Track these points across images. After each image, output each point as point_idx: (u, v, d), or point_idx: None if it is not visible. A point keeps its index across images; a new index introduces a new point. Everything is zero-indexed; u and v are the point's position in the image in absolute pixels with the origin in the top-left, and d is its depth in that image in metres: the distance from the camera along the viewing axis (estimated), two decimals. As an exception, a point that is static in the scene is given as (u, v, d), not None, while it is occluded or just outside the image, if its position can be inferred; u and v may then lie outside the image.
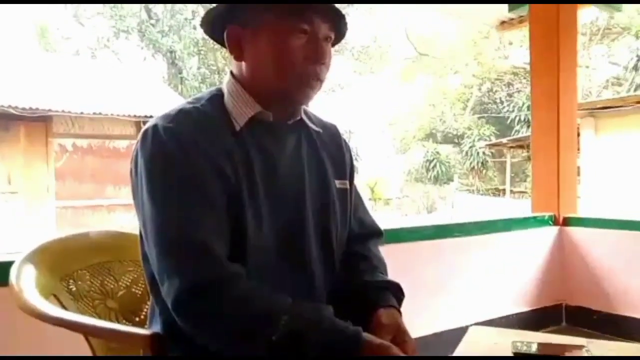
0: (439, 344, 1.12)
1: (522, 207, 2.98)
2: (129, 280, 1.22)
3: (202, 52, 18.10)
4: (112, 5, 17.22)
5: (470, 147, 19.45)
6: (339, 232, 1.05)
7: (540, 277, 3.09)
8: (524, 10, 3.50)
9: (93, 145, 10.20)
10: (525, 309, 2.99)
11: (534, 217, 3.14)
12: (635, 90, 13.64)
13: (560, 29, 3.15)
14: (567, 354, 1.06)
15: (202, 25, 1.01)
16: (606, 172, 8.62)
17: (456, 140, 21.15)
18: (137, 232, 0.97)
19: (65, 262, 1.14)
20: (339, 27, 0.98)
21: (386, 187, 18.76)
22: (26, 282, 1.01)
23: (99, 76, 11.54)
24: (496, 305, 2.86)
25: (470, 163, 19.44)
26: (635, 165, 8.12)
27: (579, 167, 8.60)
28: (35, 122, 9.37)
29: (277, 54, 0.92)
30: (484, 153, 18.93)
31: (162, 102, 10.08)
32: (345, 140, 1.15)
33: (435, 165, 20.01)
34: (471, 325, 1.29)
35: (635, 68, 14.31)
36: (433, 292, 2.59)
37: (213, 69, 18.32)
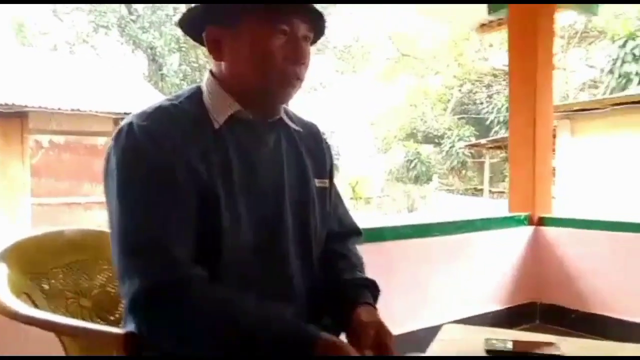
0: (413, 343, 1.14)
1: (499, 207, 3.04)
2: (104, 279, 1.21)
3: (183, 49, 17.93)
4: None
5: (450, 147, 19.68)
6: (318, 230, 1.06)
7: (516, 275, 3.14)
8: (503, 13, 3.55)
9: (70, 141, 10.02)
10: (500, 307, 3.04)
11: (511, 217, 3.19)
12: (610, 93, 13.95)
13: (538, 32, 3.21)
14: (538, 352, 1.09)
15: (180, 25, 1.01)
16: (582, 174, 8.80)
17: (437, 141, 21.37)
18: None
19: (39, 260, 1.12)
20: (317, 27, 0.99)
21: (367, 186, 18.86)
22: (-3, 280, 0.99)
23: (78, 72, 11.34)
24: (472, 304, 2.90)
25: (450, 163, 19.69)
26: (610, 167, 8.31)
27: (554, 168, 8.80)
28: (10, 117, 9.17)
29: (257, 55, 0.92)
30: (463, 153, 19.17)
31: (142, 98, 9.96)
32: (325, 139, 1.16)
33: (415, 165, 20.19)
34: (446, 323, 1.30)
35: (611, 71, 14.63)
36: (410, 290, 2.61)
37: (194, 66, 18.17)
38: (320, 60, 18.71)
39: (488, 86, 20.00)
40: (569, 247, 3.11)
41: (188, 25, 1.00)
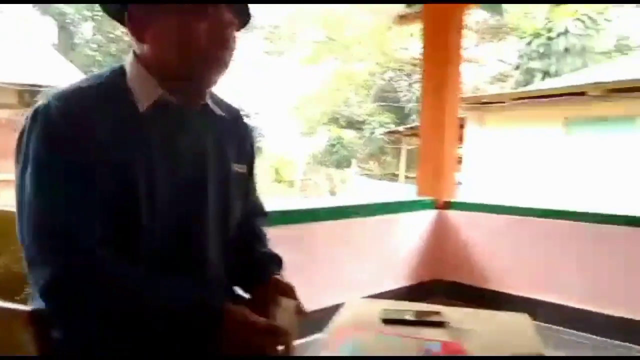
0: (323, 318, 1.25)
1: (413, 192, 3.27)
2: (8, 259, 1.18)
3: (97, 17, 16.79)
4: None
5: (371, 133, 20.26)
6: (235, 213, 1.11)
7: (422, 255, 3.39)
8: (420, 6, 3.74)
9: (-34, 113, 9.12)
10: (407, 284, 3.28)
11: (418, 201, 3.43)
12: (517, 87, 15.05)
13: (449, 28, 3.43)
14: (426, 319, 1.23)
15: (104, 10, 1.00)
16: (489, 162, 9.49)
17: (358, 126, 21.86)
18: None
19: None
20: (242, 13, 1.00)
21: (290, 169, 18.97)
22: None
23: (-25, 36, 10.30)
24: (382, 282, 3.09)
25: (370, 149, 20.29)
26: (514, 156, 9.03)
27: (462, 157, 9.41)
28: None
29: (182, 39, 0.93)
30: (383, 140, 19.82)
31: (51, 70, 9.26)
32: (247, 125, 1.19)
33: (338, 150, 20.58)
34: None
35: (518, 67, 15.76)
36: (327, 269, 2.74)
37: (110, 37, 17.10)
38: (248, 40, 18.38)
39: (409, 75, 20.69)
40: (470, 229, 3.39)
41: (109, 4, 0.99)
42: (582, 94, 7.60)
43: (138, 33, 0.95)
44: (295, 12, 20.99)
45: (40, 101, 0.90)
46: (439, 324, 1.20)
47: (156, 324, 0.86)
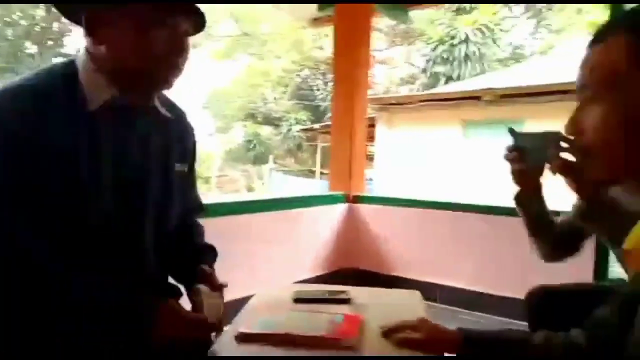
0: (238, 308, 1.35)
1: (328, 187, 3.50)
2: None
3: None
4: None
5: (288, 130, 20.46)
6: (175, 211, 1.17)
7: (335, 245, 3.58)
8: (331, 10, 3.93)
9: None
10: (322, 272, 3.46)
11: (331, 195, 3.63)
12: (423, 90, 15.98)
13: (358, 33, 3.65)
14: (332, 297, 1.39)
15: (57, 6, 1.01)
16: (398, 160, 10.05)
17: (275, 123, 21.96)
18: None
19: None
20: (197, 23, 1.06)
21: (206, 165, 18.63)
22: None
23: None
24: (297, 271, 3.24)
25: (287, 145, 20.49)
26: (420, 155, 9.64)
27: (373, 154, 9.89)
28: None
29: (141, 45, 0.96)
30: (299, 137, 20.10)
31: None
32: (189, 125, 1.25)
33: (255, 146, 20.54)
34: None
35: (424, 70, 16.73)
36: (247, 260, 2.81)
37: (6, 21, 15.68)
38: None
39: (324, 74, 21.13)
40: (377, 221, 3.64)
41: (65, 4, 1.00)
42: (478, 98, 8.30)
43: (95, 33, 0.97)
44: (210, 5, 20.53)
45: None
46: (344, 301, 1.36)
47: (89, 321, 0.90)
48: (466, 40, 15.50)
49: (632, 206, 0.91)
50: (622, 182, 0.77)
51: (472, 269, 3.23)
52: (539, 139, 1.14)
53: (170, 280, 1.23)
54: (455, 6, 15.34)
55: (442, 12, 16.02)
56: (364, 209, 3.69)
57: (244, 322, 1.16)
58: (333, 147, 3.81)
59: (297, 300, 1.35)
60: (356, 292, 1.42)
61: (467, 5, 15.29)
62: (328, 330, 1.09)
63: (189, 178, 1.25)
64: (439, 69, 15.83)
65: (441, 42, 15.99)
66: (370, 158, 8.12)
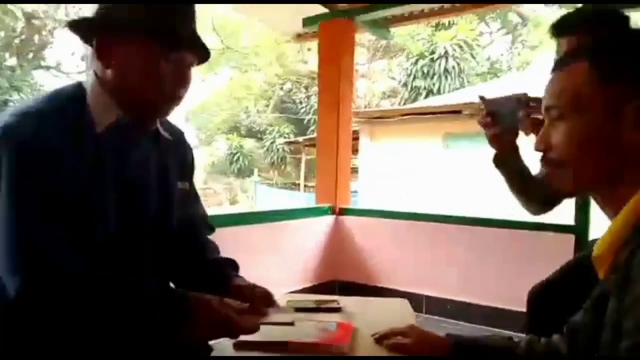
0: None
1: (313, 200, 3.51)
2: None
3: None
4: None
5: (272, 143, 20.51)
6: (177, 227, 1.20)
7: (321, 257, 3.63)
8: (315, 27, 4.02)
9: None
10: (309, 284, 3.50)
11: (317, 208, 3.68)
12: (404, 103, 16.22)
13: (341, 49, 3.75)
14: (324, 306, 1.43)
15: (72, 29, 1.04)
16: (380, 172, 10.18)
17: (259, 136, 21.99)
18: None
19: None
20: (202, 56, 1.11)
21: (189, 178, 18.50)
22: None
23: None
24: (285, 284, 3.27)
25: (271, 158, 20.52)
26: (402, 168, 9.78)
27: (357, 167, 10.00)
28: None
29: (147, 74, 1.01)
30: (283, 150, 20.16)
31: None
32: (188, 145, 1.31)
33: (238, 159, 20.52)
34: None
35: (405, 84, 16.98)
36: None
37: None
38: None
39: (307, 87, 21.29)
40: (362, 233, 3.70)
41: (79, 28, 1.04)
42: (458, 112, 8.48)
43: (105, 58, 1.02)
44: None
45: (6, 122, 0.93)
46: (336, 310, 1.40)
47: (126, 318, 0.91)
48: (445, 55, 15.81)
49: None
50: (587, 192, 0.84)
51: (456, 279, 3.30)
52: (508, 102, 1.23)
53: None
54: (434, 22, 15.67)
55: (422, 28, 16.34)
56: (349, 221, 3.74)
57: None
58: (319, 159, 3.87)
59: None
60: (346, 301, 1.47)
61: (446, 21, 15.63)
62: (322, 338, 1.13)
63: (191, 194, 1.30)
64: (420, 82, 16.09)
65: (421, 56, 16.28)
66: (354, 170, 8.24)
